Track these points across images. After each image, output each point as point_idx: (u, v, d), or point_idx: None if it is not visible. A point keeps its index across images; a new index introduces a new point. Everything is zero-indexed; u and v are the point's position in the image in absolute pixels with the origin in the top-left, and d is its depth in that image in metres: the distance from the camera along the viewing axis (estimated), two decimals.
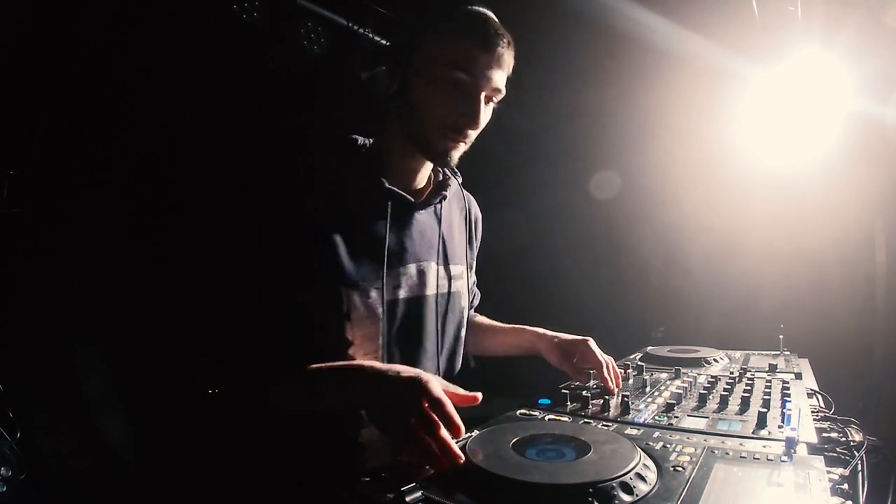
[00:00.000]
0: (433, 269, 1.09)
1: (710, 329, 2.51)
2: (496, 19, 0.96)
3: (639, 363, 1.40)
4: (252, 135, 2.32)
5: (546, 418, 0.94)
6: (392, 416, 0.75)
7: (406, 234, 1.04)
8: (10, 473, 1.64)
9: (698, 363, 1.38)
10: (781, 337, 1.56)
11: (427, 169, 1.10)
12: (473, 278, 1.35)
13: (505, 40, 0.94)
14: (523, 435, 0.76)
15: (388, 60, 0.96)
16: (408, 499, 0.57)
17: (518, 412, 0.98)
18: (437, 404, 0.73)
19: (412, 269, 1.05)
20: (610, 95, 2.82)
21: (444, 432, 0.71)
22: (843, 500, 0.67)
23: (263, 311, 0.94)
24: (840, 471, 0.72)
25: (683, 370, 1.26)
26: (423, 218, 1.09)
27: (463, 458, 0.70)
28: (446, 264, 1.12)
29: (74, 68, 2.03)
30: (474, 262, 1.33)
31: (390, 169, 1.02)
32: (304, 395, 0.91)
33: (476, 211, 1.32)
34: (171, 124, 2.35)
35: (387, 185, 0.99)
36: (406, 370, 0.80)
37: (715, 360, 1.42)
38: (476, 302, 1.43)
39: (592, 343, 1.16)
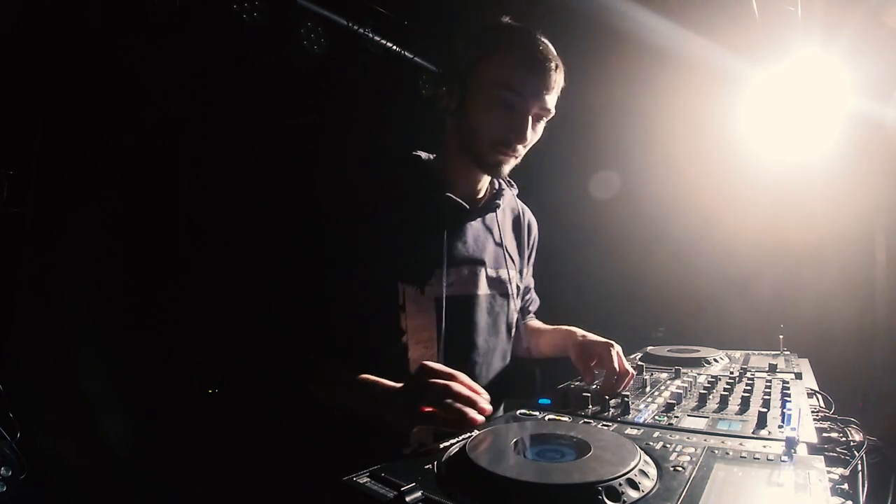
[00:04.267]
0: (483, 272, 1.18)
1: (710, 329, 2.51)
2: (547, 42, 1.04)
3: (639, 363, 1.39)
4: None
5: (546, 418, 0.94)
6: (416, 401, 0.83)
7: (461, 239, 1.15)
8: (10, 473, 1.64)
9: (698, 363, 1.38)
10: (781, 337, 1.56)
11: (485, 180, 1.19)
12: (529, 283, 1.43)
13: (553, 64, 1.02)
14: (523, 435, 0.75)
15: (447, 82, 1.07)
16: (408, 499, 0.57)
17: (518, 412, 0.98)
18: (450, 377, 0.83)
19: (464, 270, 1.14)
20: (609, 95, 2.82)
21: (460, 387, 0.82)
22: (843, 500, 0.67)
23: (323, 303, 1.04)
24: (840, 471, 0.72)
25: (683, 370, 1.26)
26: (478, 224, 1.20)
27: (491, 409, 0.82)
28: (497, 268, 1.21)
29: (74, 69, 2.03)
30: (528, 268, 1.40)
31: (450, 180, 1.13)
32: (333, 393, 1.03)
33: (530, 219, 1.40)
34: (170, 124, 2.35)
35: (446, 194, 1.11)
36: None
37: (715, 360, 1.41)
38: (533, 308, 1.49)
39: (616, 350, 1.14)
